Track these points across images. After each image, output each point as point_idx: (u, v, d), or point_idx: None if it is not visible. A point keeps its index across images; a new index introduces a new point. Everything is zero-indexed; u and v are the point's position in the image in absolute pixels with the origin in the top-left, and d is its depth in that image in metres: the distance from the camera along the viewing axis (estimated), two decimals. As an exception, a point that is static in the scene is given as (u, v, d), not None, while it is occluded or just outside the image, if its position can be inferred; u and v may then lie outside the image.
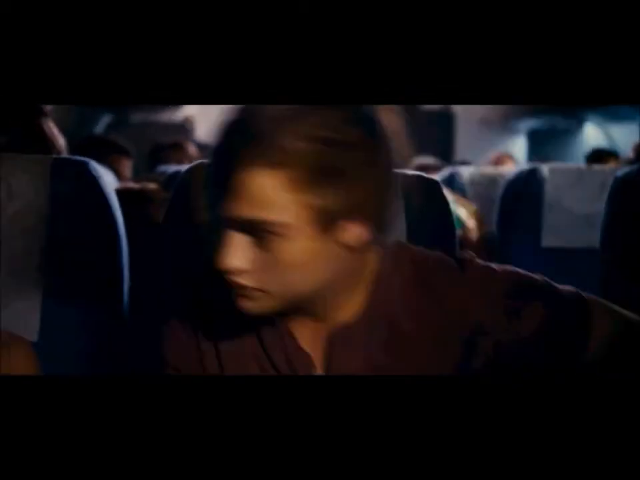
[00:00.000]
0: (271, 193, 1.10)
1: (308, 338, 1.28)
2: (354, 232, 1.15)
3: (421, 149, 5.17)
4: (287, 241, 1.13)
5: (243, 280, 1.16)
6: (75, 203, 1.55)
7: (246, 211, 1.12)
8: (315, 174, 1.10)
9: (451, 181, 3.61)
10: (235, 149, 1.11)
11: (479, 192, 3.53)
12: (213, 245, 1.16)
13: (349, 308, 1.26)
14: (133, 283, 1.61)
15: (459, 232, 2.08)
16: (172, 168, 3.10)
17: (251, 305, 1.18)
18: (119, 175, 3.08)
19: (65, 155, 2.02)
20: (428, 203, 1.60)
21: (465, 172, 3.70)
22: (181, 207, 1.50)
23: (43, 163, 1.56)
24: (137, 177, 3.30)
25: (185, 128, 4.98)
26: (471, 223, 3.06)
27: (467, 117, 7.70)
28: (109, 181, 1.60)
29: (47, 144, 2.05)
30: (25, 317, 1.52)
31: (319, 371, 1.27)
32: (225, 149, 1.13)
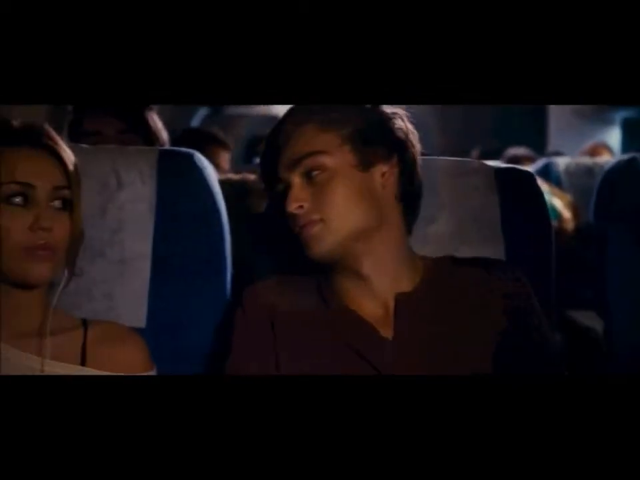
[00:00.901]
0: (323, 142, 1.41)
1: (374, 313, 1.42)
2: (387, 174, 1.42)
3: (514, 140, 5.12)
4: (334, 178, 1.39)
5: (305, 213, 1.40)
6: (181, 193, 1.59)
7: (302, 152, 1.41)
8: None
9: (546, 172, 3.58)
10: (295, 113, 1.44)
11: (574, 182, 3.48)
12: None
13: (410, 282, 1.43)
14: (235, 272, 1.65)
15: (554, 223, 2.07)
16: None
17: (315, 244, 1.40)
18: (217, 167, 3.11)
19: (168, 147, 2.08)
20: (522, 195, 1.61)
21: (561, 162, 3.65)
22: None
23: (150, 155, 1.61)
24: (235, 168, 3.35)
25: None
26: (566, 213, 3.03)
27: (560, 107, 7.55)
28: (212, 172, 1.64)
29: (152, 137, 2.12)
30: (133, 304, 1.57)
31: (387, 337, 1.39)
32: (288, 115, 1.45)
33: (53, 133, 1.43)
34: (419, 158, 1.48)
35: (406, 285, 1.43)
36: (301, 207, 1.41)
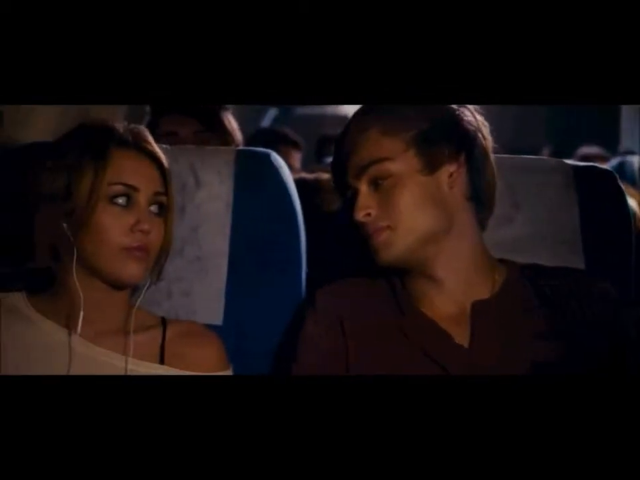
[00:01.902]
0: (387, 148, 1.40)
1: (449, 318, 1.40)
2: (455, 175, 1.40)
3: (586, 139, 5.04)
4: (399, 184, 1.39)
5: (373, 220, 1.40)
6: (258, 191, 1.61)
7: (367, 159, 1.40)
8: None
9: (620, 171, 3.52)
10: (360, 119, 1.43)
11: (649, 182, 3.43)
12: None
13: (486, 287, 1.41)
14: (309, 272, 1.65)
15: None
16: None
17: (384, 250, 1.40)
18: (289, 166, 3.13)
19: (242, 146, 2.10)
20: (603, 195, 1.59)
21: (635, 161, 3.59)
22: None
23: (228, 154, 1.63)
24: (307, 168, 3.37)
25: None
26: (640, 213, 2.97)
27: (632, 107, 7.41)
28: (288, 172, 1.66)
29: (228, 137, 2.15)
30: (210, 301, 1.58)
31: (463, 344, 1.38)
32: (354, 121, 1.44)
33: (152, 139, 1.46)
34: (492, 153, 1.46)
35: (482, 290, 1.41)
36: (369, 214, 1.41)
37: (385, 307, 1.44)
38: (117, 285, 1.41)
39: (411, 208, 1.39)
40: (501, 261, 1.48)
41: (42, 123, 1.48)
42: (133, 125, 1.46)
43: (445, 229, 1.40)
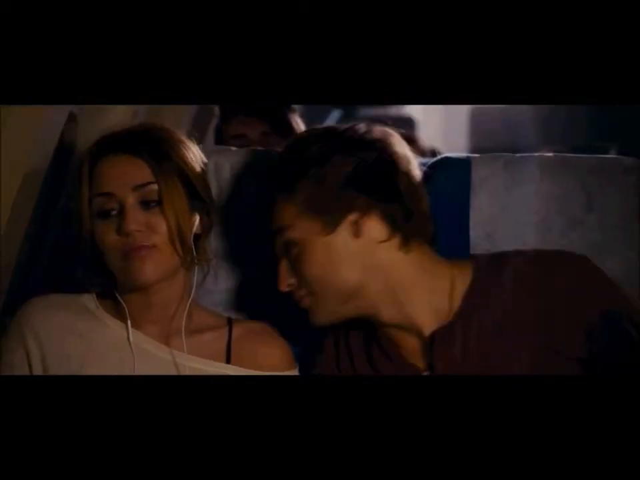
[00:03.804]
0: (286, 215, 1.38)
1: (412, 349, 1.39)
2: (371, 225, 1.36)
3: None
4: (304, 250, 1.37)
5: (295, 290, 1.40)
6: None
7: (274, 229, 1.39)
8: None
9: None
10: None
11: None
12: None
13: (444, 312, 1.37)
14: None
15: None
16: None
17: (312, 317, 1.40)
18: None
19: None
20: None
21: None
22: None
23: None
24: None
25: (412, 120, 5.02)
26: None
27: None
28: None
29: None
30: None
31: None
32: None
33: (130, 131, 1.44)
34: (415, 179, 1.41)
35: (440, 311, 1.38)
36: (290, 284, 1.41)
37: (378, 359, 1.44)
38: (138, 288, 1.40)
39: (320, 273, 1.37)
40: (472, 256, 1.45)
41: (113, 123, 1.49)
42: (108, 129, 1.45)
43: (363, 282, 1.38)
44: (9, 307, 1.51)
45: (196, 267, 1.44)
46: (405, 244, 1.38)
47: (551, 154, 1.60)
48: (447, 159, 1.59)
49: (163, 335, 1.43)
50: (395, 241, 1.38)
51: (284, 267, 1.41)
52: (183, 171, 1.41)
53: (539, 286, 1.35)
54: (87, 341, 1.42)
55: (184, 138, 1.46)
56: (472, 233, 1.55)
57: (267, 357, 1.46)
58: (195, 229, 1.42)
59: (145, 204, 1.38)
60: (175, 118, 1.69)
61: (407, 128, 5.08)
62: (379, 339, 1.43)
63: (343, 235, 1.37)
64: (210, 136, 2.38)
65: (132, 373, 1.39)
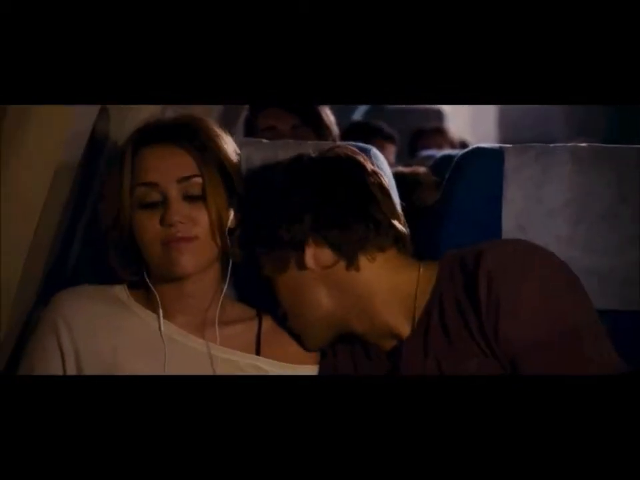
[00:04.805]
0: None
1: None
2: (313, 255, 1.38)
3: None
4: (275, 288, 1.42)
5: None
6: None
7: None
8: None
9: None
10: None
11: None
12: None
13: (407, 313, 1.39)
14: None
15: None
16: (436, 153, 3.12)
17: (306, 343, 1.45)
18: (383, 160, 3.14)
19: (338, 141, 2.10)
20: None
21: None
22: (457, 190, 1.53)
23: (326, 148, 1.62)
24: (401, 161, 3.36)
25: (441, 113, 5.00)
26: None
27: None
28: (387, 166, 1.64)
29: (325, 131, 2.15)
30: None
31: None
32: None
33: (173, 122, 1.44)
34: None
35: (402, 321, 1.39)
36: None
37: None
38: (175, 279, 1.41)
39: (289, 306, 1.43)
40: (444, 254, 1.43)
41: (145, 117, 1.50)
42: (146, 120, 1.46)
43: (331, 305, 1.40)
44: (43, 297, 1.52)
45: (230, 260, 1.45)
46: (352, 263, 1.38)
47: (584, 144, 1.58)
48: (479, 148, 1.59)
49: (194, 326, 1.44)
50: (342, 263, 1.38)
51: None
52: (222, 164, 1.42)
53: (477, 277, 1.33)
54: (118, 331, 1.43)
55: (220, 130, 1.46)
56: (504, 225, 1.53)
57: (296, 349, 1.47)
58: (230, 222, 1.43)
59: (188, 196, 1.39)
60: (204, 109, 1.68)
61: (436, 120, 5.10)
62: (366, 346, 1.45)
63: (298, 274, 1.39)
64: (240, 128, 2.39)
65: (163, 363, 1.41)
